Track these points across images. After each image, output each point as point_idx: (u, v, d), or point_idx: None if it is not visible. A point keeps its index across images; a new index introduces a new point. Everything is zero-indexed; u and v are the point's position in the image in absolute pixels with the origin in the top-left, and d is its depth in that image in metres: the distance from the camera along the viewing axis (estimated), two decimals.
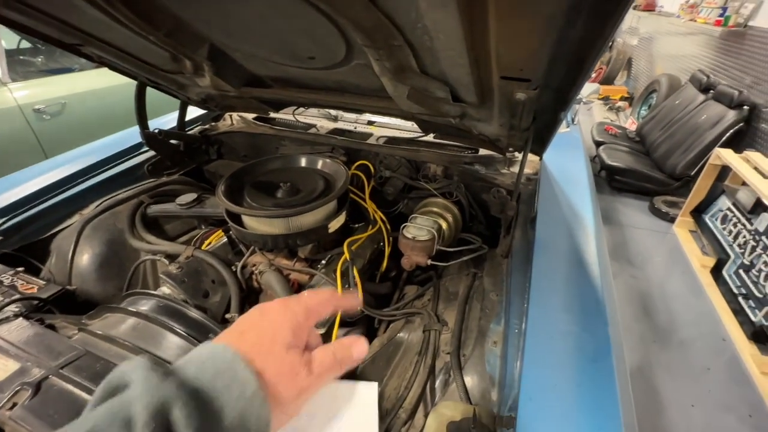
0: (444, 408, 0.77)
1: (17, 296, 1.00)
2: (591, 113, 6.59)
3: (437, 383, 0.93)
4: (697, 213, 3.25)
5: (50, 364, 0.78)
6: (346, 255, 1.21)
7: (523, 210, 1.27)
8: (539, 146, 1.24)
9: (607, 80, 7.60)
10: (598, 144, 4.39)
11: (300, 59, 1.09)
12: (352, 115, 1.94)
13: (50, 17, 0.96)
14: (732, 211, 2.83)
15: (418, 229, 1.25)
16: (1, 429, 0.71)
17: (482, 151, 1.54)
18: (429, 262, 1.23)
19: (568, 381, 0.70)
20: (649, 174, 3.80)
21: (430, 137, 1.63)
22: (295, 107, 1.83)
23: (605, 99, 6.87)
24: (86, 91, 2.95)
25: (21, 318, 0.91)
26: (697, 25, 4.39)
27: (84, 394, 0.73)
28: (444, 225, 1.35)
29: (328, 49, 0.97)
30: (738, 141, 3.40)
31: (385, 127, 1.86)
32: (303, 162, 1.39)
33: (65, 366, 0.78)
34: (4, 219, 1.23)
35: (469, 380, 0.88)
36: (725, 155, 2.89)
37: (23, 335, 0.86)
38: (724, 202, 2.97)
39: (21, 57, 3.11)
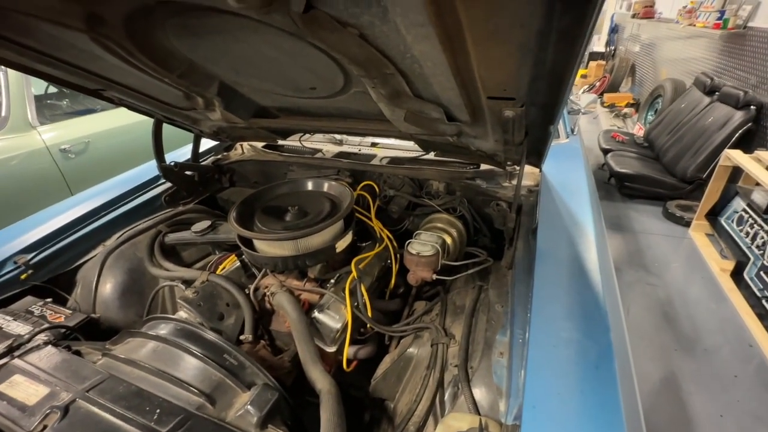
0: (452, 419, 0.78)
1: (46, 325, 1.06)
2: (597, 121, 6.58)
3: (446, 396, 0.94)
4: (713, 216, 3.18)
5: (77, 388, 0.83)
6: (354, 273, 1.24)
7: (525, 221, 1.29)
8: (536, 158, 1.28)
9: (612, 88, 7.62)
10: (605, 152, 4.37)
11: (303, 90, 1.17)
12: (356, 138, 2.01)
13: (75, 67, 1.06)
14: (747, 212, 2.77)
15: (422, 244, 1.28)
16: None
17: (483, 166, 1.58)
18: (434, 276, 1.25)
19: (571, 387, 0.71)
20: (660, 179, 3.76)
21: (431, 155, 1.68)
22: (301, 134, 1.91)
23: (611, 106, 6.87)
24: (108, 129, 3.13)
25: (50, 345, 0.97)
26: (696, 29, 4.42)
27: (108, 416, 0.77)
28: (448, 240, 1.38)
29: (327, 80, 1.04)
30: (748, 141, 3.36)
31: (389, 147, 1.92)
32: (309, 186, 1.45)
33: (91, 389, 0.83)
34: (33, 254, 1.32)
35: (478, 392, 0.89)
36: (736, 156, 2.85)
37: (52, 362, 0.91)
38: (738, 204, 2.91)
39: (48, 101, 3.33)
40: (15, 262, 1.26)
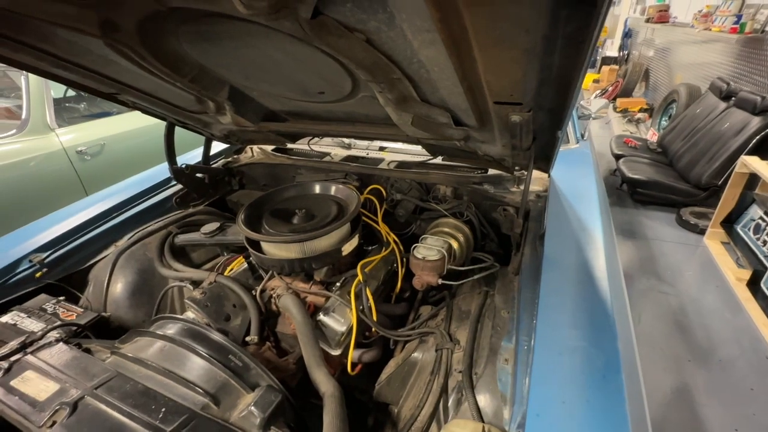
0: (454, 426, 0.78)
1: (58, 323, 1.09)
2: (610, 126, 6.50)
3: (450, 402, 0.94)
4: (728, 223, 3.11)
5: (86, 385, 0.85)
6: (360, 277, 1.24)
7: (533, 227, 1.28)
8: (545, 164, 1.26)
9: (625, 93, 7.52)
10: (617, 157, 4.31)
11: (311, 95, 1.18)
12: (365, 142, 2.02)
13: (91, 72, 1.09)
14: (765, 220, 2.70)
15: (428, 249, 1.28)
16: None
17: (491, 171, 1.57)
18: (440, 281, 1.25)
19: (576, 396, 0.70)
20: (674, 185, 3.69)
21: (439, 160, 1.68)
22: (309, 138, 1.93)
23: (624, 111, 6.78)
24: (122, 132, 3.21)
25: (61, 343, 0.99)
26: (712, 33, 4.35)
27: (115, 413, 0.79)
28: (455, 244, 1.37)
29: (335, 84, 1.05)
30: (765, 148, 3.26)
31: (397, 152, 1.92)
32: (317, 189, 1.46)
33: (99, 387, 0.85)
34: (48, 253, 1.35)
35: (482, 399, 0.88)
36: (752, 163, 2.79)
37: (63, 359, 0.93)
38: (755, 212, 2.84)
39: (67, 104, 3.43)
40: (30, 261, 1.30)
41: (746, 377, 2.15)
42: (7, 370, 0.90)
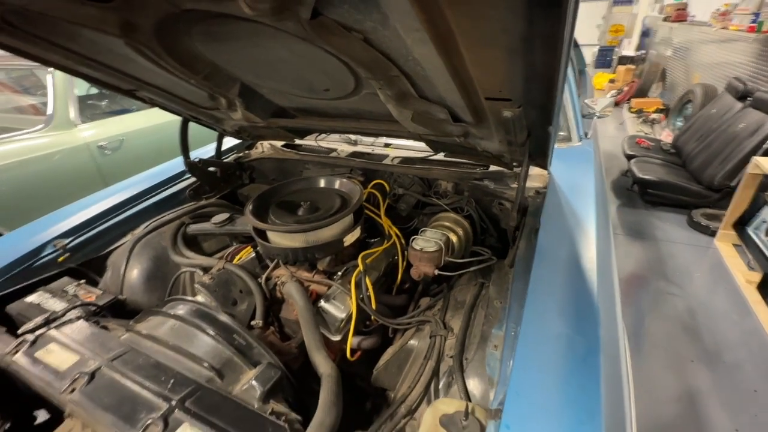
0: (441, 404, 0.82)
1: (79, 303, 1.17)
2: (624, 127, 6.41)
3: (441, 385, 0.98)
4: (740, 226, 3.06)
5: (103, 357, 0.92)
6: (360, 267, 1.30)
7: (530, 222, 1.31)
8: (542, 159, 1.29)
9: (641, 93, 7.40)
10: (629, 157, 4.26)
11: (317, 92, 1.24)
12: (370, 139, 2.07)
13: (112, 69, 1.17)
14: None
15: (426, 241, 1.32)
16: (62, 410, 0.85)
17: (492, 168, 1.60)
18: (436, 272, 1.29)
19: (555, 378, 0.74)
20: (685, 186, 3.64)
21: (441, 156, 1.71)
22: (317, 134, 1.99)
23: (638, 112, 6.67)
24: (141, 128, 3.34)
25: (81, 320, 1.07)
26: (729, 32, 4.26)
27: (128, 383, 0.86)
28: (454, 238, 1.41)
29: (339, 82, 1.11)
30: None
31: (401, 148, 1.97)
32: (322, 183, 1.52)
33: (114, 360, 0.92)
34: (70, 239, 1.44)
35: (471, 382, 0.92)
36: (765, 164, 2.74)
37: (82, 334, 1.01)
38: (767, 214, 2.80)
39: (89, 101, 3.57)
40: (54, 246, 1.39)
41: (751, 379, 2.13)
42: (33, 343, 0.98)
